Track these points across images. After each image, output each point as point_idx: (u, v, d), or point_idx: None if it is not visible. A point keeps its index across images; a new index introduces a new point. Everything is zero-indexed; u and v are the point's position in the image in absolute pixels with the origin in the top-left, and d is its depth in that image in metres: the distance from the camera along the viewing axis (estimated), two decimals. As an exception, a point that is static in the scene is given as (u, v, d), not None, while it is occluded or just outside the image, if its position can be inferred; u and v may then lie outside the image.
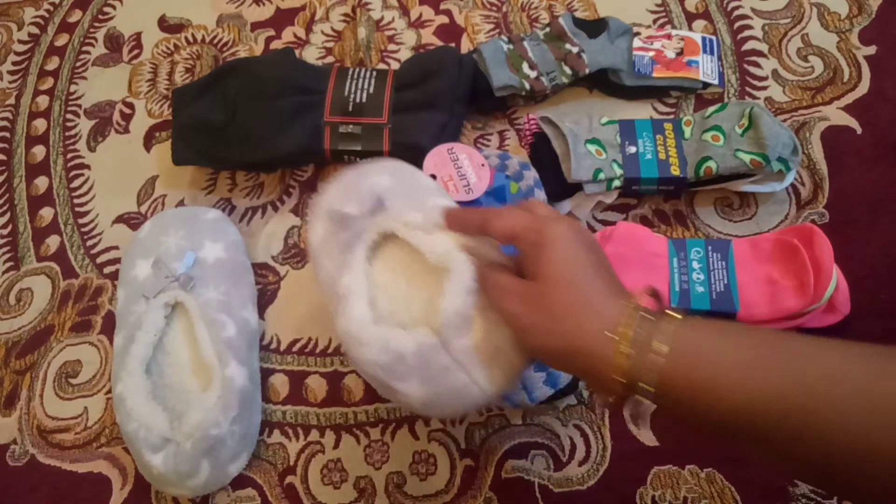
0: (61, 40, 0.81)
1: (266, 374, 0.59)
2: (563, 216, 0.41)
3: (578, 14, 0.73)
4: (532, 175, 0.61)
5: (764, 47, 0.69)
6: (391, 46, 0.75)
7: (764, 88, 0.67)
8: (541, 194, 0.60)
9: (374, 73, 0.66)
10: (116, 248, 0.66)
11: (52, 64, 0.79)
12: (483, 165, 0.61)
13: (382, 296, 0.49)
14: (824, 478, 0.34)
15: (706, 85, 0.67)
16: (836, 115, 0.65)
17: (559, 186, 0.61)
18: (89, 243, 0.67)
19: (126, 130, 0.73)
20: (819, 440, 0.31)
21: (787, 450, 0.33)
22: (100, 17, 0.82)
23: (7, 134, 0.75)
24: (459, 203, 0.60)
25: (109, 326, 0.61)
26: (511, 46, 0.67)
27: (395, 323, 0.47)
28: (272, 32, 0.78)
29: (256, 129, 0.63)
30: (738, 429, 0.33)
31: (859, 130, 0.64)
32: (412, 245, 0.47)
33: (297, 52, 0.75)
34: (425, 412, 0.48)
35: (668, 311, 0.36)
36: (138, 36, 0.80)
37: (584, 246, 0.39)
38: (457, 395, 0.44)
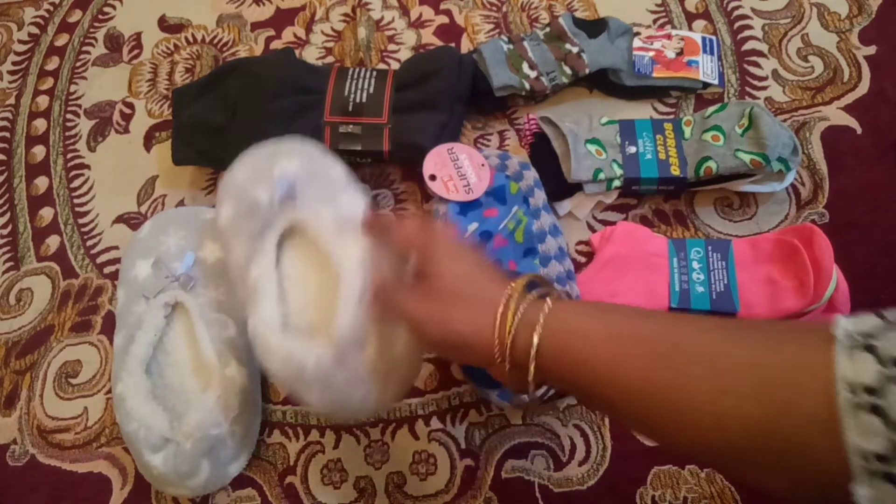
0: (61, 40, 0.81)
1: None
2: (439, 226, 0.45)
3: (578, 14, 0.73)
4: (532, 175, 0.61)
5: (764, 47, 0.69)
6: (391, 46, 0.75)
7: (764, 88, 0.67)
8: (541, 194, 0.60)
9: (374, 73, 0.66)
10: (116, 248, 0.66)
11: (52, 64, 0.79)
12: (483, 165, 0.61)
13: (292, 290, 0.50)
14: (682, 447, 0.36)
15: (706, 85, 0.67)
16: (836, 115, 0.65)
17: (559, 186, 0.61)
18: (89, 243, 0.67)
19: (126, 130, 0.73)
20: (673, 410, 0.33)
21: (650, 421, 0.35)
22: (100, 17, 0.82)
23: (7, 134, 0.75)
24: (459, 203, 0.60)
25: (109, 326, 0.61)
26: (511, 46, 0.67)
27: (305, 320, 0.49)
28: (272, 32, 0.78)
29: (256, 129, 0.63)
30: (613, 402, 0.36)
31: (859, 130, 0.64)
32: (320, 246, 0.49)
33: (297, 52, 0.75)
34: (328, 418, 0.51)
35: (547, 297, 0.39)
36: (138, 36, 0.80)
37: (461, 247, 0.43)
38: (355, 407, 0.47)
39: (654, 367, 0.34)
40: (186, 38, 0.79)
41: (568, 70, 0.66)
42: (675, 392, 0.33)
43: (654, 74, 0.67)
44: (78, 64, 0.79)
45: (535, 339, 0.36)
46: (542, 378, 0.38)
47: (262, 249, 0.50)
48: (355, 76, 0.65)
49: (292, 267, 0.52)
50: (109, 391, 0.59)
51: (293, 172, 0.53)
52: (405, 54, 0.74)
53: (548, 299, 0.38)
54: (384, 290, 0.44)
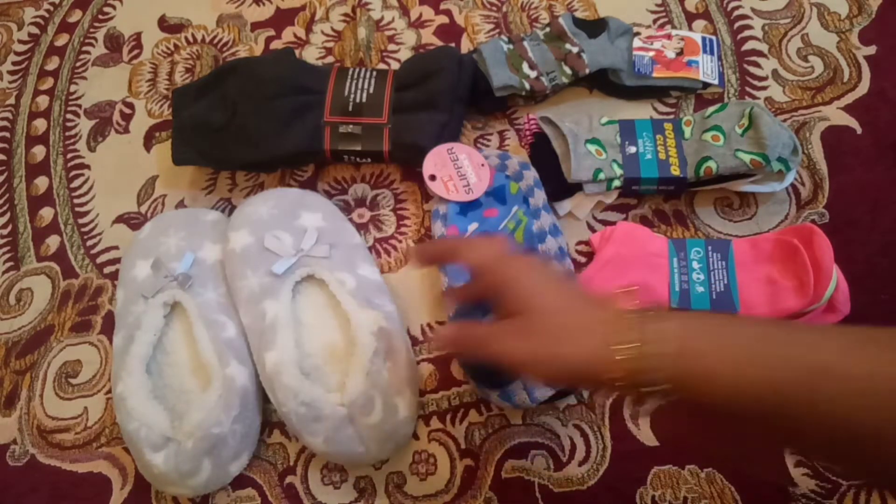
0: (61, 40, 0.81)
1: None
2: (513, 251, 0.42)
3: (578, 14, 0.73)
4: (532, 175, 0.61)
5: (764, 47, 0.69)
6: (391, 46, 0.75)
7: (764, 88, 0.67)
8: (541, 194, 0.60)
9: (374, 73, 0.66)
10: (116, 248, 0.66)
11: (52, 64, 0.79)
12: (483, 165, 0.61)
13: (305, 335, 0.55)
14: (829, 460, 0.35)
15: (706, 85, 0.67)
16: (836, 115, 0.65)
17: (559, 186, 0.61)
18: (89, 243, 0.67)
19: (126, 130, 0.73)
20: (819, 429, 0.32)
21: (788, 438, 0.34)
22: (100, 17, 0.82)
23: (7, 134, 0.75)
24: (460, 203, 0.60)
25: (109, 326, 0.61)
26: (511, 46, 0.67)
27: (311, 366, 0.53)
28: (272, 32, 0.78)
29: (256, 129, 0.63)
30: (742, 418, 0.34)
31: (859, 130, 0.64)
32: (343, 309, 0.54)
33: (297, 52, 0.75)
34: (321, 457, 0.55)
35: (650, 310, 0.37)
36: (138, 36, 0.80)
37: (547, 273, 0.40)
38: (354, 459, 0.52)
39: (799, 390, 0.32)
40: (186, 38, 0.79)
41: (568, 70, 0.66)
42: (832, 418, 0.31)
43: (654, 74, 0.67)
44: (78, 64, 0.79)
45: (666, 360, 0.34)
46: (663, 395, 0.36)
47: (280, 288, 0.55)
48: (355, 76, 0.65)
49: (305, 312, 0.56)
50: (109, 391, 0.59)
51: (316, 226, 0.58)
52: (405, 54, 0.74)
53: (657, 311, 0.36)
54: (473, 336, 0.41)
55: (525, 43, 0.67)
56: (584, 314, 0.38)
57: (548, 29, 0.68)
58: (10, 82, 0.79)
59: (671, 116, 0.67)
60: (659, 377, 0.35)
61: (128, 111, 0.75)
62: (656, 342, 0.35)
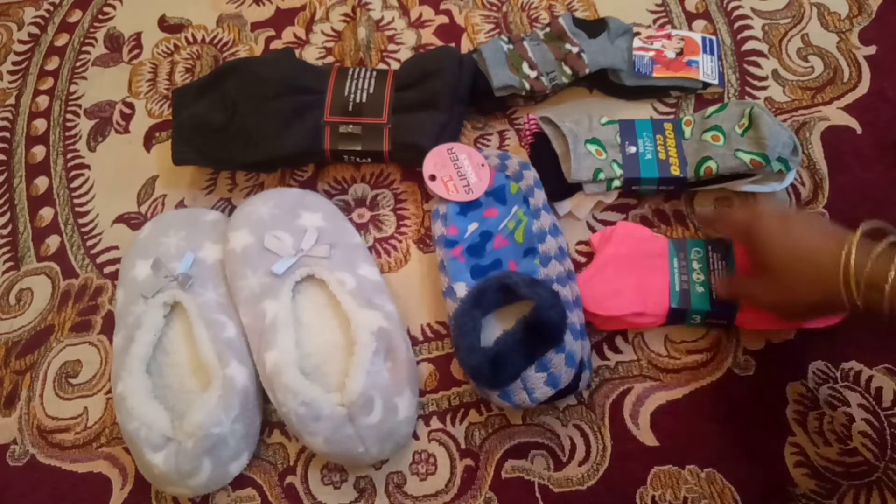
0: (61, 40, 0.81)
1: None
2: (762, 207, 0.54)
3: (578, 14, 0.73)
4: (532, 175, 0.61)
5: (764, 47, 0.69)
6: (391, 46, 0.75)
7: (764, 88, 0.67)
8: (541, 194, 0.60)
9: (374, 73, 0.66)
10: (116, 248, 0.66)
11: (52, 64, 0.79)
12: (483, 165, 0.61)
13: (305, 336, 0.55)
14: None
15: (706, 85, 0.67)
16: (836, 115, 0.65)
17: (559, 186, 0.61)
18: (89, 243, 0.67)
19: (126, 130, 0.73)
20: None
21: None
22: (100, 17, 0.82)
23: (7, 134, 0.75)
24: (460, 203, 0.60)
25: (109, 326, 0.61)
26: (511, 46, 0.67)
27: (311, 366, 0.53)
28: (272, 32, 0.78)
29: (256, 129, 0.63)
30: None
31: (859, 130, 0.64)
32: (343, 309, 0.54)
33: (297, 52, 0.75)
34: (321, 457, 0.55)
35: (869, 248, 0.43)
36: (138, 36, 0.80)
37: (784, 217, 0.49)
38: (354, 459, 0.52)
39: None
40: (186, 38, 0.79)
41: (568, 70, 0.65)
42: None
43: (654, 74, 0.67)
44: (78, 64, 0.79)
45: (888, 290, 0.40)
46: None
47: (280, 288, 0.55)
48: (355, 76, 0.65)
49: (305, 313, 0.56)
50: (109, 391, 0.59)
51: (316, 226, 0.58)
52: (405, 54, 0.74)
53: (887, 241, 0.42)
54: (737, 286, 0.53)
55: (525, 43, 0.67)
56: (815, 250, 0.45)
57: (548, 29, 0.68)
58: (10, 82, 0.79)
59: (671, 116, 0.67)
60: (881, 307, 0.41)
61: (128, 111, 0.75)
62: (874, 282, 0.41)
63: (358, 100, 0.64)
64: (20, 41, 0.82)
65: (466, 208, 0.60)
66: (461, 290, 0.55)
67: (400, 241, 0.64)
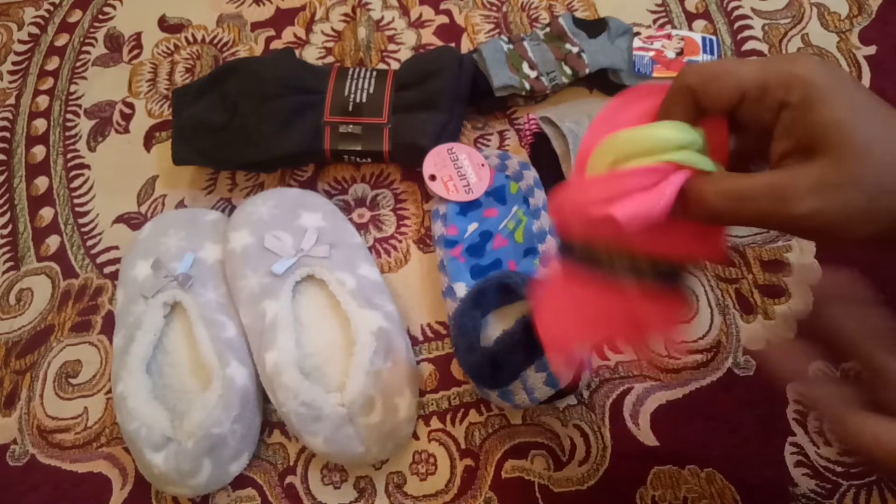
0: (61, 40, 0.81)
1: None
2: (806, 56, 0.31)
3: (578, 14, 0.73)
4: (532, 175, 0.61)
5: (764, 47, 0.69)
6: (391, 46, 0.75)
7: (764, 88, 0.67)
8: (541, 194, 0.60)
9: (374, 73, 0.66)
10: (116, 248, 0.66)
11: (52, 64, 0.79)
12: (483, 165, 0.61)
13: (305, 335, 0.55)
14: None
15: (706, 85, 0.67)
16: (836, 115, 0.65)
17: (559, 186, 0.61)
18: (89, 243, 0.67)
19: (126, 130, 0.73)
20: None
21: None
22: (100, 17, 0.82)
23: (7, 134, 0.75)
24: (459, 203, 0.60)
25: (109, 326, 0.61)
26: (511, 46, 0.67)
27: (311, 366, 0.53)
28: (272, 32, 0.78)
29: (256, 129, 0.63)
30: None
31: (859, 130, 0.64)
32: (343, 309, 0.54)
33: (297, 52, 0.75)
34: (321, 457, 0.55)
35: None
36: (138, 36, 0.80)
37: (850, 84, 0.29)
38: (354, 459, 0.52)
39: None
40: (186, 38, 0.79)
41: (568, 70, 0.66)
42: None
43: (655, 74, 0.66)
44: (78, 64, 0.79)
45: None
46: None
47: (280, 288, 0.55)
48: (355, 76, 0.65)
49: (306, 313, 0.56)
50: (109, 391, 0.59)
51: (316, 226, 0.58)
52: (405, 54, 0.74)
53: None
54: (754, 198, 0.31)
55: (525, 43, 0.67)
56: None
57: (548, 29, 0.68)
58: (10, 82, 0.79)
59: (671, 116, 0.66)
60: None
61: (128, 111, 0.75)
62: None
63: (358, 100, 0.64)
64: (20, 41, 0.82)
65: (466, 208, 0.60)
66: (461, 290, 0.55)
67: (400, 241, 0.64)
